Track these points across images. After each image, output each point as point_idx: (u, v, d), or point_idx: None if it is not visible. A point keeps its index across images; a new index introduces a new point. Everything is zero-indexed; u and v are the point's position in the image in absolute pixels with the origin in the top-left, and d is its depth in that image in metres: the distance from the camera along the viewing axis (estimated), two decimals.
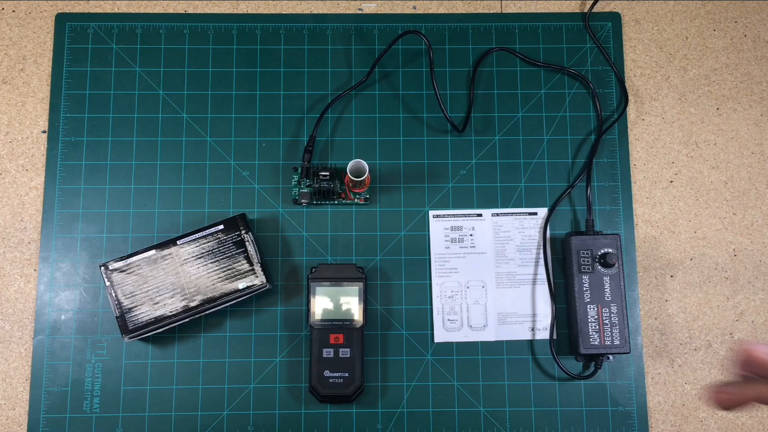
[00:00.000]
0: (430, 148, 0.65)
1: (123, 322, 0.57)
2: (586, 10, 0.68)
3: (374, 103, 0.66)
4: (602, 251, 0.60)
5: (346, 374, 0.58)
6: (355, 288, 0.59)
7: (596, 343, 0.59)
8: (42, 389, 0.60)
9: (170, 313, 0.57)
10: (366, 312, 0.60)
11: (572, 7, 0.69)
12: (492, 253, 0.63)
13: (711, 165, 0.66)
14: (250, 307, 0.62)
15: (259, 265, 0.59)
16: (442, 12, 0.68)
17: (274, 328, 0.62)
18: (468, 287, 0.63)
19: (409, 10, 0.68)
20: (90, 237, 0.63)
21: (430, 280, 0.63)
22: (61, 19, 0.66)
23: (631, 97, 0.67)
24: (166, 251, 0.59)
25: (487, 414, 0.61)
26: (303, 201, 0.63)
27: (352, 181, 0.60)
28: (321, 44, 0.67)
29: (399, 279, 0.63)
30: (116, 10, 0.67)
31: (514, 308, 0.62)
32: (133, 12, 0.67)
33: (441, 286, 0.63)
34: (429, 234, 0.64)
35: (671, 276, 0.64)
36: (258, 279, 0.59)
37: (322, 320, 0.59)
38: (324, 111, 0.64)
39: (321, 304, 0.59)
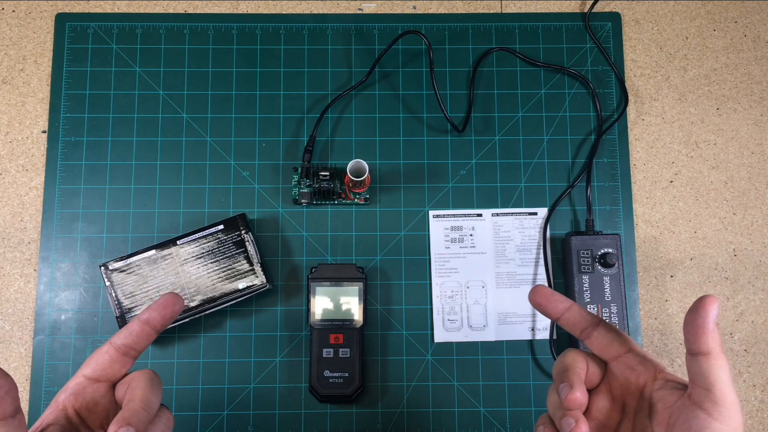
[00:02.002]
0: (430, 148, 0.65)
1: (123, 322, 0.57)
2: (586, 10, 0.68)
3: (374, 103, 0.66)
4: (602, 251, 0.60)
5: (346, 374, 0.58)
6: (355, 288, 0.59)
7: None
8: (42, 389, 0.60)
9: None
10: (366, 312, 0.60)
11: (572, 7, 0.69)
12: (492, 253, 0.63)
13: (711, 165, 0.66)
14: (250, 307, 0.62)
15: (259, 265, 0.59)
16: (442, 12, 0.68)
17: (274, 328, 0.62)
18: (468, 287, 0.63)
19: (409, 10, 0.68)
20: (90, 237, 0.63)
21: (430, 280, 0.63)
22: (61, 19, 0.66)
23: (631, 97, 0.67)
24: (166, 251, 0.59)
25: (487, 414, 0.61)
26: (303, 201, 0.63)
27: (352, 181, 0.60)
28: (321, 44, 0.67)
29: (399, 279, 0.63)
30: (116, 10, 0.67)
31: (514, 308, 0.62)
32: (133, 12, 0.67)
33: (441, 286, 0.63)
34: (429, 234, 0.64)
35: (671, 276, 0.64)
36: (258, 279, 0.59)
37: (322, 320, 0.59)
38: (324, 111, 0.64)
39: (321, 304, 0.59)
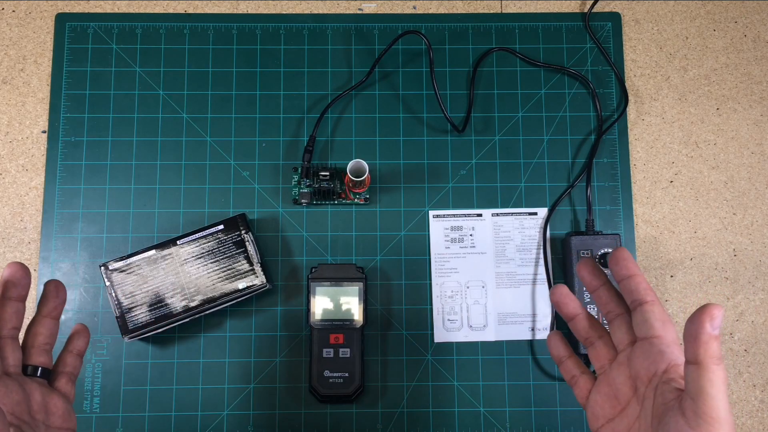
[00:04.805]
0: (430, 148, 0.65)
1: (123, 322, 0.57)
2: (586, 10, 0.68)
3: (374, 103, 0.66)
4: (602, 251, 0.60)
5: (346, 374, 0.58)
6: (355, 288, 0.59)
7: None
8: None
9: (170, 313, 0.57)
10: (366, 312, 0.60)
11: (572, 7, 0.69)
12: (492, 253, 0.63)
13: (711, 165, 0.66)
14: (250, 307, 0.62)
15: (259, 265, 0.59)
16: (442, 12, 0.68)
17: (274, 328, 0.62)
18: (468, 287, 0.63)
19: (409, 10, 0.68)
20: (90, 237, 0.63)
21: (430, 280, 0.63)
22: (61, 19, 0.66)
23: (631, 97, 0.67)
24: (166, 251, 0.59)
25: (487, 414, 0.61)
26: (303, 201, 0.63)
27: (352, 181, 0.60)
28: (321, 44, 0.67)
29: (399, 279, 0.63)
30: (116, 10, 0.67)
31: (514, 308, 0.62)
32: (133, 12, 0.67)
33: (441, 286, 0.63)
34: (429, 234, 0.64)
35: (671, 276, 0.64)
36: (258, 279, 0.59)
37: (322, 320, 0.59)
38: (324, 111, 0.64)
39: (321, 304, 0.59)
